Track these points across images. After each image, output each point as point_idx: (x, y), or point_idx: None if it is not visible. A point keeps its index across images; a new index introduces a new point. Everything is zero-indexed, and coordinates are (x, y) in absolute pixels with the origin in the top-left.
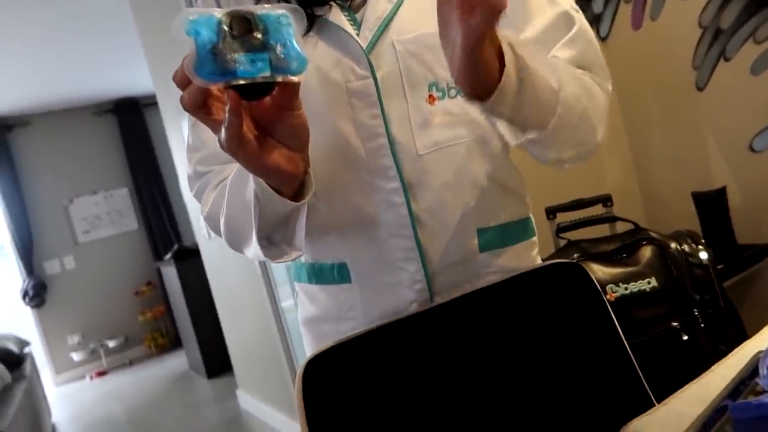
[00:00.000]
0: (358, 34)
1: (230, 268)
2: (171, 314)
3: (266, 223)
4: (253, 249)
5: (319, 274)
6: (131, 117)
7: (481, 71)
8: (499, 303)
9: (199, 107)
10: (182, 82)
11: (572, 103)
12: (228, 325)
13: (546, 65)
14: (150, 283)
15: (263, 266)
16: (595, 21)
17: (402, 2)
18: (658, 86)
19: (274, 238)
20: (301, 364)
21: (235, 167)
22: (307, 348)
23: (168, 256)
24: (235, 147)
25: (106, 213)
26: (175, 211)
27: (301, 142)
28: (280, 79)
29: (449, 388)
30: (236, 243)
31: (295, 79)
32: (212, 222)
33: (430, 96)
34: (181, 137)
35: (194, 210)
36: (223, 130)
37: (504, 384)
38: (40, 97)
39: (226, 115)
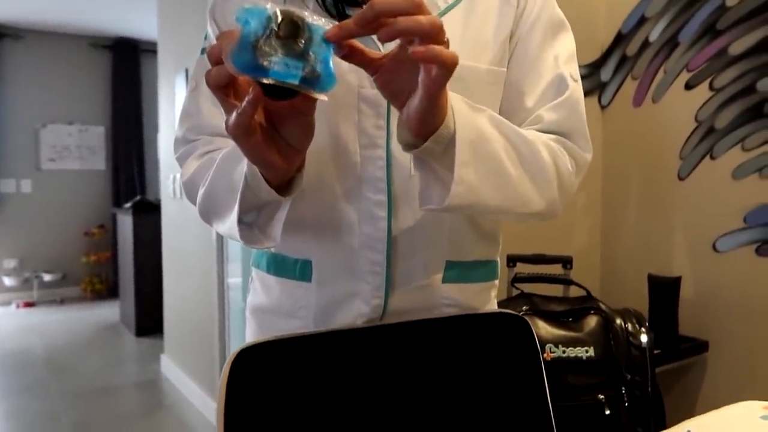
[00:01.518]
0: (383, 43)
1: (187, 232)
2: (115, 263)
3: (246, 206)
4: (228, 226)
5: (280, 266)
6: (127, 58)
7: (435, 116)
8: (443, 338)
9: (222, 87)
10: (215, 59)
11: (526, 188)
12: (170, 287)
13: (490, 123)
14: (102, 227)
15: (219, 239)
16: (600, 88)
17: None
18: (642, 165)
19: (250, 222)
20: (233, 350)
21: (224, 142)
22: (248, 335)
23: (128, 204)
24: (240, 134)
25: (76, 146)
26: (146, 162)
27: (304, 144)
28: (305, 92)
29: (370, 409)
30: (210, 215)
31: (320, 96)
32: (190, 188)
33: None
34: (173, 91)
35: (166, 167)
36: (234, 114)
37: (423, 417)
38: (39, 14)
39: (244, 103)
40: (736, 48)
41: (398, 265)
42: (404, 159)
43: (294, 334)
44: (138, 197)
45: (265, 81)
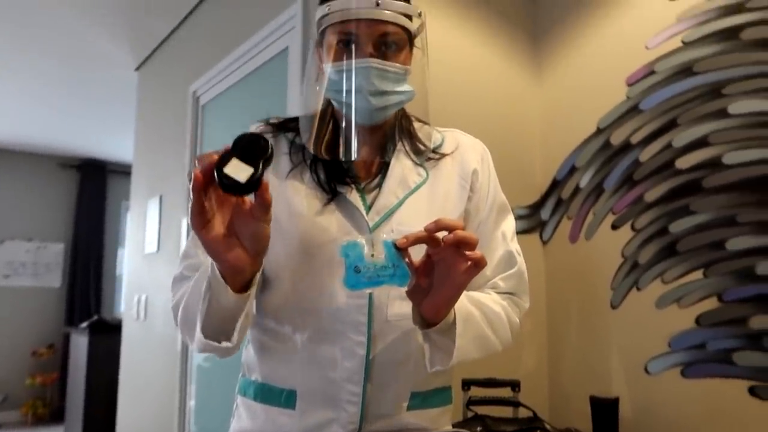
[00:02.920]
0: (367, 214)
1: (149, 354)
2: (63, 385)
3: (212, 310)
4: (197, 334)
5: (267, 395)
6: (94, 178)
7: (450, 305)
8: None
9: (200, 189)
10: (207, 172)
11: (495, 343)
12: (125, 411)
13: (482, 314)
14: (51, 347)
15: (184, 361)
16: (540, 226)
17: (404, 201)
18: (581, 295)
19: (216, 331)
20: None
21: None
22: None
23: (84, 324)
24: (196, 223)
25: (32, 263)
26: (103, 281)
27: (257, 249)
28: (397, 284)
29: None
30: (187, 327)
31: (404, 288)
32: (175, 310)
33: None
34: (144, 215)
35: (132, 287)
36: (189, 205)
37: None
38: (10, 134)
39: (192, 192)
40: (651, 196)
41: (372, 395)
42: (382, 306)
43: None
44: (95, 317)
45: (369, 290)
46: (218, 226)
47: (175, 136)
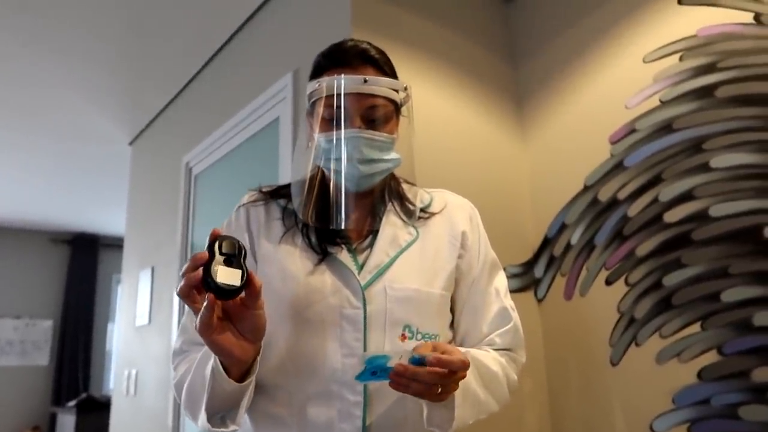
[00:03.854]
0: (359, 273)
1: (139, 430)
2: None
3: (215, 397)
4: (202, 417)
5: None
6: (85, 252)
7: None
8: None
9: (186, 296)
10: (191, 283)
11: (493, 405)
12: None
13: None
14: (36, 429)
15: None
16: (534, 283)
17: (396, 259)
18: (580, 352)
19: (221, 413)
20: None
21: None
22: None
23: (71, 403)
24: (203, 330)
25: (20, 341)
26: (93, 357)
27: (256, 336)
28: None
29: None
30: (192, 409)
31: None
32: (178, 389)
33: (403, 335)
34: (136, 287)
35: (123, 362)
36: (199, 316)
37: None
38: (3, 211)
39: (203, 309)
40: (642, 250)
41: None
42: None
43: None
44: (84, 395)
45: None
46: (219, 325)
47: (167, 206)
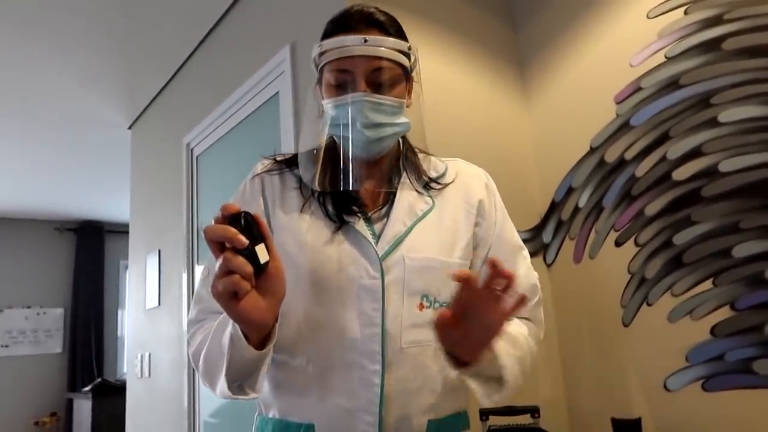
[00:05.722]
0: (376, 244)
1: (155, 411)
2: None
3: (234, 364)
4: (221, 385)
5: (285, 431)
6: (91, 240)
7: (488, 344)
8: None
9: (219, 243)
10: (244, 274)
11: (525, 372)
12: None
13: (514, 350)
14: (54, 415)
15: (191, 416)
16: (543, 248)
17: (413, 228)
18: (591, 315)
19: (239, 381)
20: None
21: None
22: None
23: (87, 388)
24: (224, 299)
25: (32, 330)
26: (105, 343)
27: (276, 297)
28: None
29: None
30: (210, 378)
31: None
32: (195, 358)
33: (421, 304)
34: (143, 271)
35: (135, 345)
36: (223, 283)
37: None
38: (6, 201)
39: (235, 278)
40: (651, 209)
41: (388, 424)
42: (396, 334)
43: None
44: (98, 380)
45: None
46: (244, 294)
47: (171, 189)
